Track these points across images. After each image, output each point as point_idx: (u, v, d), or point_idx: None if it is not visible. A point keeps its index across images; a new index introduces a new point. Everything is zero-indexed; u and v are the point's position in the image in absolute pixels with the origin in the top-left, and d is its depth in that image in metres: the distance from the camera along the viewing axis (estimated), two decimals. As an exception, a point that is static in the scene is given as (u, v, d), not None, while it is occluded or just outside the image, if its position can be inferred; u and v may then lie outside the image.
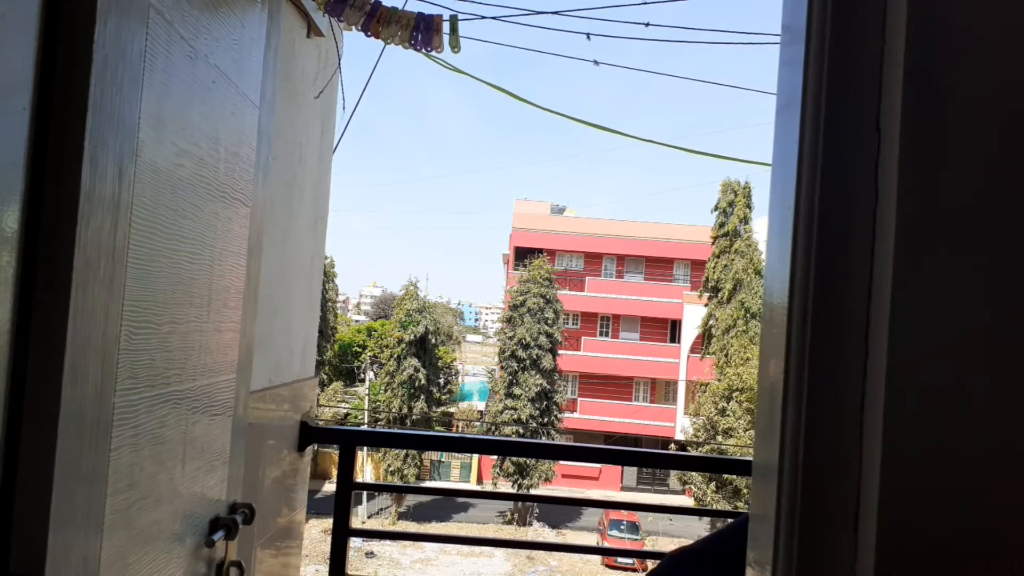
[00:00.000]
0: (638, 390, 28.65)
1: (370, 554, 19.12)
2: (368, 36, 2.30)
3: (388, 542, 19.55)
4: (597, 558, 19.58)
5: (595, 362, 28.07)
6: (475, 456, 25.16)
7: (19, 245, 0.90)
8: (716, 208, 23.98)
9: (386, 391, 24.41)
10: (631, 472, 26.84)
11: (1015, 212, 0.73)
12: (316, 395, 2.84)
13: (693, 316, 26.21)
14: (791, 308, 0.79)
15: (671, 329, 29.14)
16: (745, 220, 23.44)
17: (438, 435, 3.52)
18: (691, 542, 1.34)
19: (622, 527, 19.74)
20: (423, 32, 2.28)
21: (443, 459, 26.41)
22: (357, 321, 38.33)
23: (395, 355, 24.39)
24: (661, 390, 28.77)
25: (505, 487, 22.43)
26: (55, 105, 0.93)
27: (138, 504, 1.15)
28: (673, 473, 24.27)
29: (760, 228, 23.19)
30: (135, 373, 1.11)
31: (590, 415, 27.52)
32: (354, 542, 16.73)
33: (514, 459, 21.52)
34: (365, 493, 21.01)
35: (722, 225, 23.62)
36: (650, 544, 19.71)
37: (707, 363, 23.08)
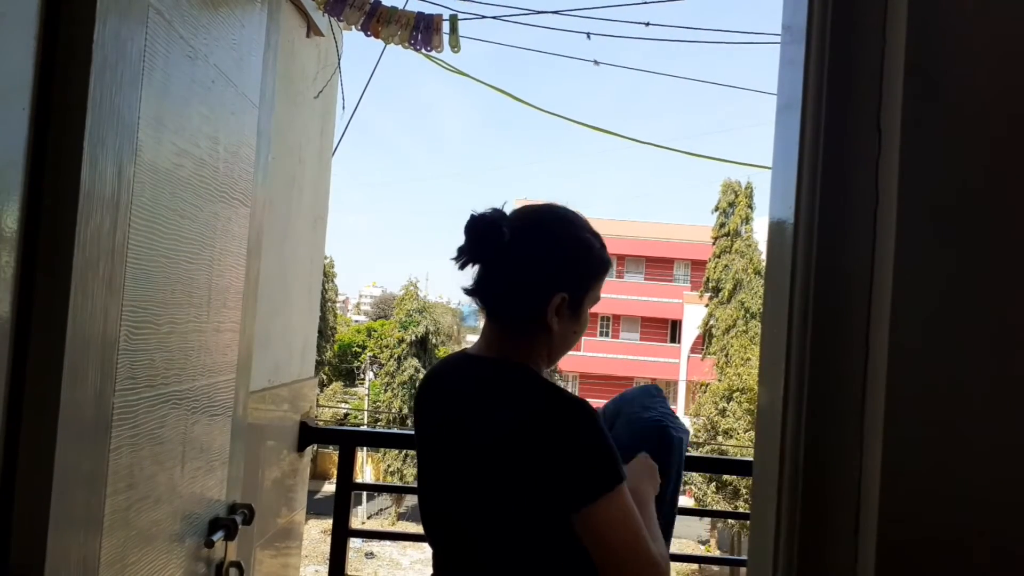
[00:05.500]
0: (638, 390, 28.61)
1: (370, 555, 19.10)
2: (368, 36, 2.31)
3: (388, 543, 19.53)
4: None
5: (595, 362, 28.05)
6: (475, 456, 25.10)
7: (18, 245, 0.90)
8: (716, 208, 23.97)
9: (386, 391, 24.40)
10: (631, 472, 26.78)
11: (1016, 212, 0.73)
12: (315, 395, 2.84)
13: (693, 316, 26.20)
14: (791, 308, 0.79)
15: (671, 329, 29.14)
16: (746, 220, 23.42)
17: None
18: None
19: (622, 527, 19.68)
20: (423, 32, 2.28)
21: (443, 459, 26.37)
22: (357, 321, 38.31)
23: (395, 355, 24.38)
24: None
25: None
26: (54, 105, 0.93)
27: (137, 504, 1.15)
28: (673, 473, 24.23)
29: (761, 228, 23.18)
30: (134, 373, 1.11)
31: (590, 415, 27.38)
32: (354, 543, 16.72)
33: (514, 459, 21.49)
34: (365, 493, 21.00)
35: (723, 225, 23.61)
36: (650, 544, 19.67)
37: (707, 363, 23.07)
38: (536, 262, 1.16)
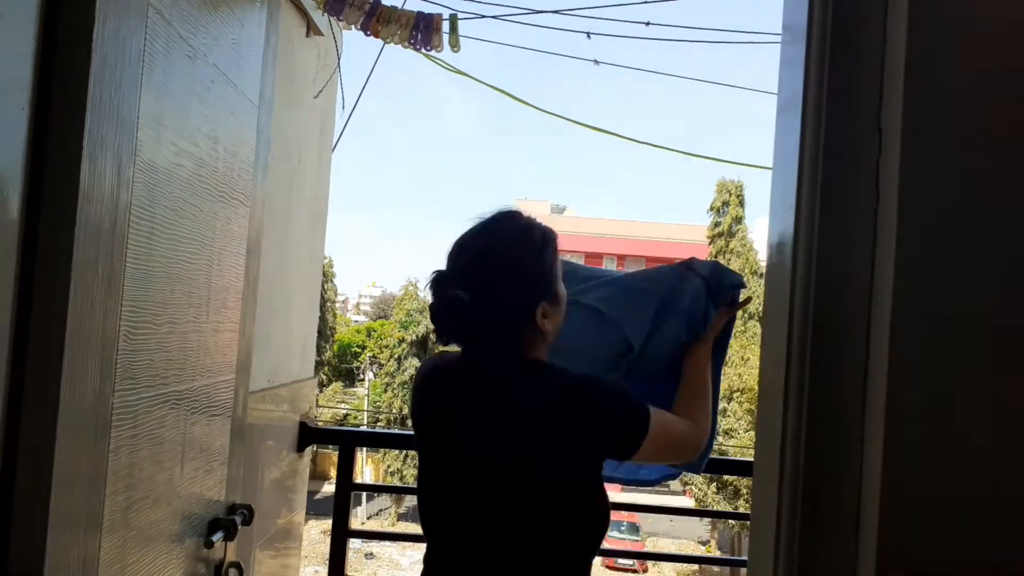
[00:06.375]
0: (638, 390, 28.60)
1: (369, 555, 19.10)
2: (367, 35, 2.30)
3: (388, 543, 19.52)
4: (597, 559, 19.48)
5: (595, 362, 27.96)
6: (475, 456, 25.07)
7: (18, 244, 0.90)
8: (711, 208, 23.94)
9: (386, 391, 24.39)
10: (631, 472, 26.75)
11: (1017, 211, 0.73)
12: (315, 395, 2.83)
13: (693, 316, 26.10)
14: (792, 308, 0.79)
15: (671, 329, 29.08)
16: (738, 219, 23.38)
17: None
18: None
19: (622, 528, 19.67)
20: (422, 31, 2.28)
21: (443, 459, 26.36)
22: (356, 321, 38.29)
23: (395, 355, 24.37)
24: (661, 390, 28.66)
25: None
26: (54, 104, 0.93)
27: (137, 505, 1.15)
28: (673, 474, 24.21)
29: (756, 228, 23.14)
30: (134, 373, 1.11)
31: (590, 415, 27.30)
32: (353, 543, 16.70)
33: (514, 459, 21.45)
34: (365, 494, 20.99)
35: (717, 225, 23.58)
36: (650, 545, 19.70)
37: (707, 364, 22.96)
38: (508, 299, 1.21)
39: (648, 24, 2.95)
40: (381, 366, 25.62)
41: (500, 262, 1.21)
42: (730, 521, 16.92)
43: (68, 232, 0.93)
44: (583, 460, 1.18)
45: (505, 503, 1.17)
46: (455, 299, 1.17)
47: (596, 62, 3.18)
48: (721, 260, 23.01)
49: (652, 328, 1.50)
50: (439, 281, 1.21)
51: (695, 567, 19.49)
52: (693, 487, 20.77)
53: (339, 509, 2.44)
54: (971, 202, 0.73)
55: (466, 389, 1.23)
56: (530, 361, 1.22)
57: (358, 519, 20.92)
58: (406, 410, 23.59)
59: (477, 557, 1.20)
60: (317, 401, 3.14)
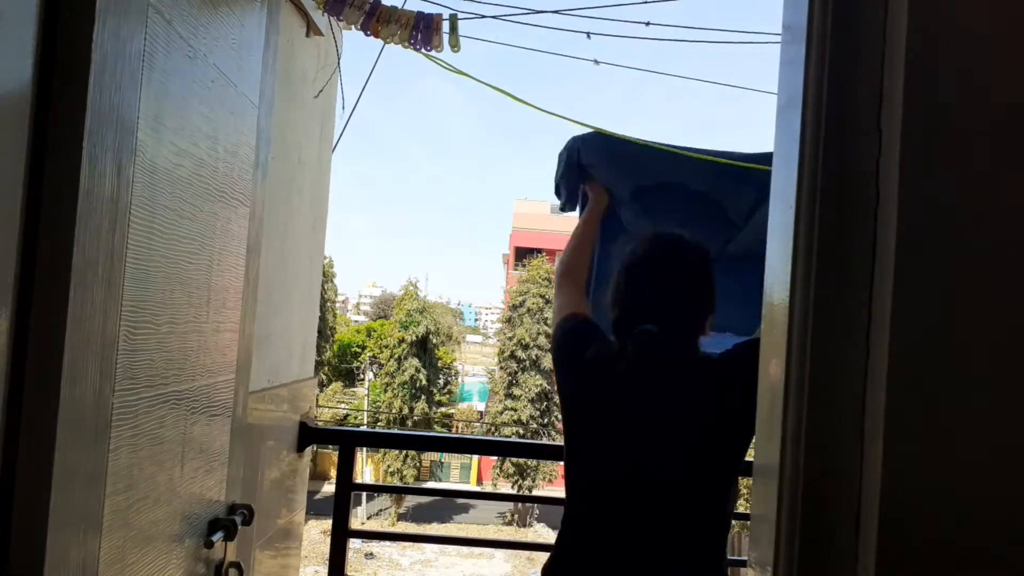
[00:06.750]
0: (638, 390, 28.52)
1: (370, 555, 19.08)
2: (367, 35, 2.30)
3: (388, 543, 19.50)
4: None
5: (595, 362, 27.85)
6: (475, 457, 25.14)
7: (18, 244, 0.90)
8: (715, 208, 23.91)
9: (386, 391, 24.37)
10: (631, 472, 26.68)
11: (1017, 212, 0.73)
12: (315, 395, 2.83)
13: (693, 316, 26.06)
14: (792, 308, 0.79)
15: (671, 329, 29.01)
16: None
17: (437, 436, 3.51)
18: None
19: (622, 527, 19.68)
20: (423, 31, 2.27)
21: (443, 460, 26.40)
22: (356, 321, 38.25)
23: (395, 355, 24.35)
24: (661, 390, 28.57)
25: (505, 488, 22.38)
26: (54, 104, 0.93)
27: (137, 505, 1.15)
28: (673, 473, 24.20)
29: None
30: (134, 373, 1.11)
31: (590, 415, 27.22)
32: (353, 543, 16.70)
33: (514, 460, 21.51)
34: (365, 494, 20.97)
35: (721, 225, 23.53)
36: (650, 545, 19.66)
37: (707, 363, 22.94)
38: (688, 323, 1.41)
39: (648, 24, 2.95)
40: (381, 366, 25.60)
41: (675, 293, 1.40)
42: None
43: (68, 232, 0.93)
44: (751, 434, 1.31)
45: (676, 492, 1.35)
46: (647, 334, 1.35)
47: (596, 62, 3.17)
48: (721, 260, 23.08)
49: (753, 209, 1.62)
50: (625, 318, 1.39)
51: (695, 567, 19.45)
52: (693, 487, 20.69)
53: (339, 509, 2.44)
54: (971, 202, 0.73)
55: (642, 386, 1.38)
56: (698, 359, 1.40)
57: (358, 519, 20.91)
58: (406, 410, 23.61)
59: (637, 536, 1.37)
60: (317, 401, 3.14)
